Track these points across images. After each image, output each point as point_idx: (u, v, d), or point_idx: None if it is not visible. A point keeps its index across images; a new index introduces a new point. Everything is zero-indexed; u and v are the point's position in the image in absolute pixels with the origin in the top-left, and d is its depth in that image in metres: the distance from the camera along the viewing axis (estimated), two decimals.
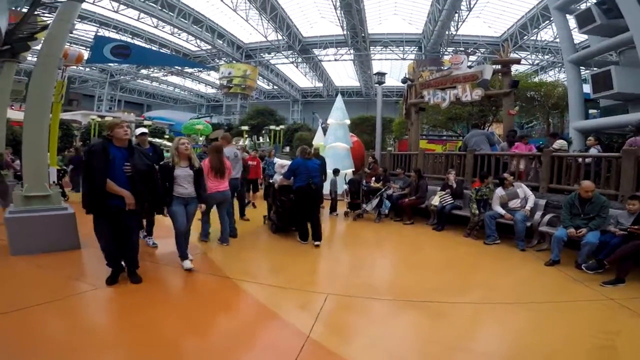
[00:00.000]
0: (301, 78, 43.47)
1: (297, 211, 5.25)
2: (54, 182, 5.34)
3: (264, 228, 6.21)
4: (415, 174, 7.33)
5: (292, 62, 37.36)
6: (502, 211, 5.48)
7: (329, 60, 36.16)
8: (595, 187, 4.52)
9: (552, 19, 22.73)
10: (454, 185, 6.67)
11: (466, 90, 8.34)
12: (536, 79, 16.72)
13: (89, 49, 33.27)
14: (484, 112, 12.51)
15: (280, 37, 31.83)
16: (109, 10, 26.15)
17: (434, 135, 17.91)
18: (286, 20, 30.29)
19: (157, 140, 22.67)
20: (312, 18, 31.29)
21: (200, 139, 20.94)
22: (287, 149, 25.04)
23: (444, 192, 6.67)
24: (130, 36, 32.80)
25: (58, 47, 4.93)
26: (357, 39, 31.02)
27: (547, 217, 5.29)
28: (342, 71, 41.03)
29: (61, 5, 5.05)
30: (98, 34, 26.23)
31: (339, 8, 26.50)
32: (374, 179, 8.10)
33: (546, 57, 30.33)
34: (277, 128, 25.03)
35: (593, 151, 6.56)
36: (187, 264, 3.87)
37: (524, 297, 3.46)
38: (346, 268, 4.62)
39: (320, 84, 44.21)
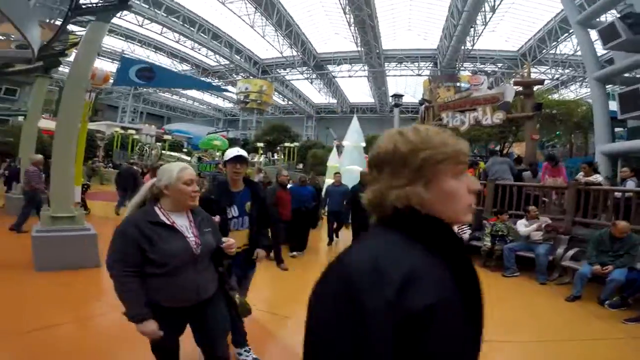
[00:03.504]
0: (315, 94, 43.99)
1: (291, 228, 5.82)
2: (77, 202, 5.49)
3: None
4: None
5: (307, 79, 37.96)
6: (528, 230, 5.35)
7: (343, 77, 36.57)
8: (630, 227, 4.31)
9: (571, 31, 22.36)
10: (473, 216, 6.48)
11: (487, 113, 8.18)
12: (556, 95, 16.27)
13: (114, 62, 35.22)
14: (503, 133, 12.27)
15: (295, 53, 32.47)
16: (134, 24, 27.48)
17: None
18: (301, 37, 30.96)
19: (175, 154, 23.26)
20: (326, 34, 31.89)
21: (217, 154, 21.29)
22: (301, 165, 25.21)
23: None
24: (154, 50, 34.40)
25: (86, 70, 5.13)
26: (372, 55, 31.31)
27: (571, 251, 5.10)
28: (357, 87, 41.34)
29: (88, 28, 5.24)
30: (124, 54, 27.49)
31: (353, 24, 26.87)
32: None
33: (566, 71, 29.66)
34: (292, 145, 25.27)
35: (630, 184, 6.02)
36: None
37: (543, 334, 3.35)
38: None
39: (335, 100, 44.60)
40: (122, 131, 23.77)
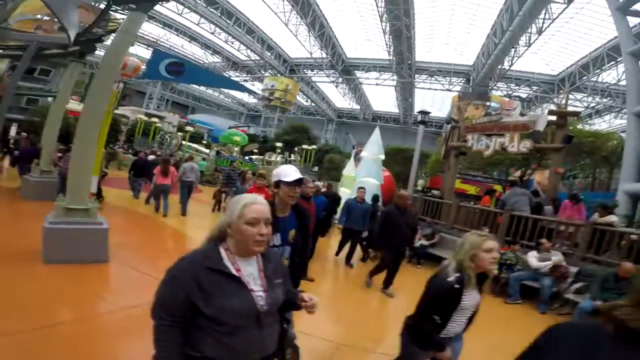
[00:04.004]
0: (339, 98, 43.92)
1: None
2: (92, 193, 5.51)
3: None
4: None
5: (333, 82, 37.90)
6: (539, 264, 5.46)
7: (370, 84, 36.27)
8: (635, 269, 4.49)
9: (619, 60, 21.37)
10: None
11: (514, 140, 7.82)
12: (590, 124, 15.39)
13: (148, 48, 36.23)
14: (527, 160, 11.76)
15: (324, 55, 32.49)
16: (173, 12, 28.21)
17: (469, 175, 17.07)
18: (332, 40, 30.96)
19: (194, 145, 23.59)
20: (358, 40, 31.73)
21: (236, 149, 21.44)
22: (316, 168, 25.16)
23: None
24: (189, 39, 35.23)
25: (118, 61, 5.14)
26: (403, 66, 30.93)
27: (576, 285, 5.25)
28: (382, 95, 41.00)
29: (127, 17, 5.20)
30: (157, 48, 28.16)
31: (388, 33, 26.59)
32: None
33: (604, 100, 28.43)
34: (310, 147, 25.26)
35: None
36: None
37: None
38: (351, 316, 4.41)
39: (357, 106, 44.39)
40: (146, 118, 24.28)
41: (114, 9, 6.32)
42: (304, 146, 24.78)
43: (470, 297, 1.93)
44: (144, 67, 19.51)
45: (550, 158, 8.67)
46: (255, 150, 26.09)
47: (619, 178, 13.27)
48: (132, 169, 9.84)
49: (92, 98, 4.94)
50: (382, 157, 10.68)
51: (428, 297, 1.99)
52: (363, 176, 10.11)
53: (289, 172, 2.07)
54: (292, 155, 25.02)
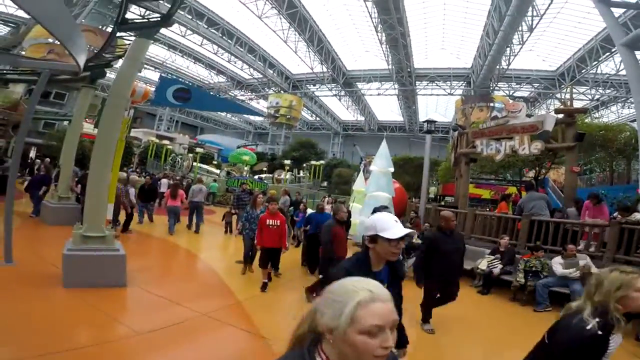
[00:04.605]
0: (343, 111, 44.28)
1: (308, 249, 6.56)
2: (109, 219, 5.64)
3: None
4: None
5: (335, 95, 38.32)
6: (565, 272, 5.35)
7: (372, 95, 36.56)
8: None
9: (613, 50, 21.16)
10: (505, 252, 6.41)
11: (524, 142, 7.74)
12: (596, 116, 15.06)
13: (156, 70, 37.16)
14: (539, 160, 11.57)
15: (325, 70, 32.99)
16: (177, 34, 29.21)
17: (482, 179, 16.84)
18: (331, 54, 31.47)
19: (205, 166, 23.92)
20: (356, 52, 32.15)
21: (246, 169, 21.64)
22: (325, 183, 25.21)
23: (493, 257, 6.48)
24: (193, 60, 36.28)
25: (127, 87, 5.33)
26: (402, 74, 31.19)
27: None
28: (385, 105, 41.22)
29: (132, 44, 5.38)
30: (162, 74, 29.02)
31: (385, 43, 26.93)
32: (416, 235, 7.54)
33: (607, 91, 28.08)
34: (317, 163, 25.39)
35: None
36: None
37: None
38: None
39: (362, 118, 44.64)
40: (157, 140, 24.81)
41: (120, 34, 6.55)
42: (312, 162, 24.91)
43: (616, 341, 1.63)
44: (153, 89, 20.03)
45: (563, 155, 8.54)
46: (265, 169, 26.32)
47: (638, 169, 12.95)
48: (140, 195, 9.22)
49: (104, 127, 5.12)
50: (392, 169, 10.55)
51: (562, 352, 1.61)
52: (373, 190, 9.87)
53: (390, 226, 1.68)
54: (301, 172, 25.15)
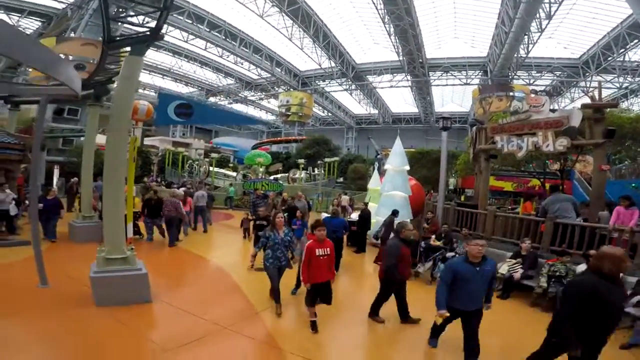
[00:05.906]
0: (355, 105, 43.81)
1: None
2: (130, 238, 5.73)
3: None
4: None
5: (346, 90, 37.89)
6: None
7: (384, 87, 35.95)
8: None
9: None
10: (526, 255, 6.15)
11: (548, 138, 7.34)
12: (625, 105, 14.13)
13: (164, 77, 37.41)
14: (565, 152, 11.03)
15: (333, 65, 32.52)
16: (179, 40, 29.11)
17: (504, 171, 16.27)
18: (339, 48, 30.95)
19: (221, 170, 24.10)
20: (365, 45, 31.47)
21: (261, 170, 21.72)
22: (341, 179, 25.02)
23: (514, 261, 6.22)
24: (200, 65, 36.43)
25: (126, 108, 5.27)
26: (415, 65, 30.51)
27: (637, 298, 4.62)
28: (399, 97, 40.50)
29: (124, 63, 5.32)
30: (161, 92, 29.09)
31: (393, 34, 26.32)
32: (434, 236, 7.38)
33: (637, 79, 26.73)
34: (332, 160, 25.21)
35: None
36: None
37: None
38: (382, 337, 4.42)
39: (375, 111, 44.03)
40: (173, 148, 25.18)
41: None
42: (326, 159, 24.73)
43: None
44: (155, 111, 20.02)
45: (591, 147, 8.07)
46: (280, 169, 26.36)
47: None
48: (145, 210, 8.52)
49: (110, 151, 5.10)
50: (407, 167, 10.26)
51: None
52: (389, 190, 9.69)
53: None
54: (316, 170, 25.06)
